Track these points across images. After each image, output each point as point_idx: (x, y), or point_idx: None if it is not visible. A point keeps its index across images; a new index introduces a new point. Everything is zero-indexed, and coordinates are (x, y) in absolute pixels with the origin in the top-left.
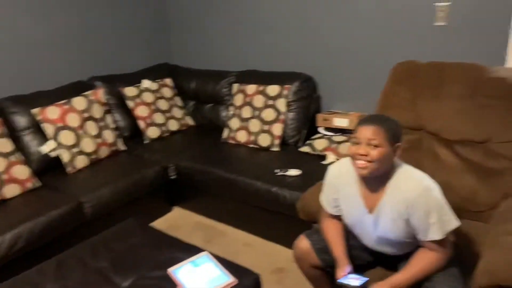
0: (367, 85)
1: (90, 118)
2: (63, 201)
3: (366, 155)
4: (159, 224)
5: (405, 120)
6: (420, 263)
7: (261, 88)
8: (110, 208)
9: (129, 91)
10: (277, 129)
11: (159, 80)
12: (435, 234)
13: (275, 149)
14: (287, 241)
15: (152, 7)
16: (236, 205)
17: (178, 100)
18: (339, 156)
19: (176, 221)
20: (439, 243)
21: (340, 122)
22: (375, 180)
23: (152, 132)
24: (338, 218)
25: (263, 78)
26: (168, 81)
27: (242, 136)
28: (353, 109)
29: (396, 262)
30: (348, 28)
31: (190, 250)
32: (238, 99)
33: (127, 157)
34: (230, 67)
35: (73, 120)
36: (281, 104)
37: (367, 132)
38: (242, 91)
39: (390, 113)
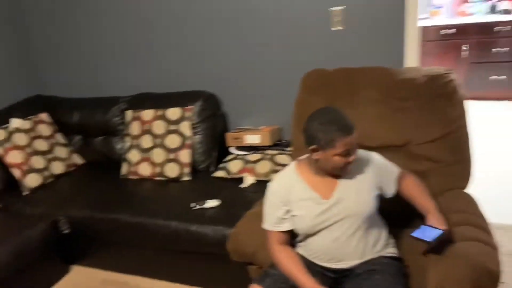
0: (273, 96)
1: None
2: None
3: (352, 161)
4: None
5: None
6: (416, 186)
7: (159, 112)
8: None
9: None
10: (185, 156)
11: (32, 116)
12: (394, 171)
13: (186, 178)
14: (220, 283)
15: (13, 36)
16: (150, 252)
17: (59, 137)
18: (257, 176)
19: (79, 283)
20: (406, 178)
21: (252, 139)
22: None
23: (32, 180)
24: (287, 243)
25: (160, 101)
26: (43, 116)
27: (145, 169)
28: (263, 123)
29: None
30: (246, 41)
31: None
32: (135, 128)
33: (3, 217)
34: (119, 92)
35: None
36: (185, 127)
37: (353, 140)
38: (138, 118)
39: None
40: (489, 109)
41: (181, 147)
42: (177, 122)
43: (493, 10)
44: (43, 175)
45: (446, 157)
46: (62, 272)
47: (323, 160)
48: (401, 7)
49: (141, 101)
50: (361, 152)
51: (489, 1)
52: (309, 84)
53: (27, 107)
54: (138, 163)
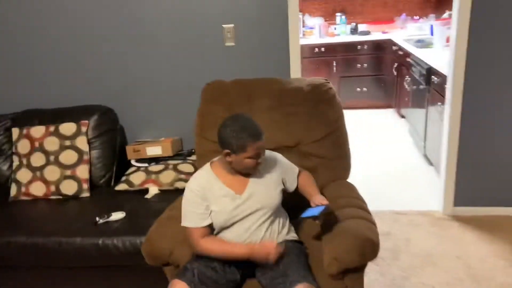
0: (171, 109)
1: None
2: None
3: (261, 163)
4: None
5: None
6: (308, 180)
7: (51, 128)
8: None
9: None
10: (83, 171)
11: None
12: (295, 170)
13: (85, 194)
14: None
15: None
16: (55, 273)
17: None
18: (162, 186)
19: None
20: (303, 175)
21: (153, 151)
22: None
23: None
24: (209, 233)
25: (51, 117)
26: None
27: (38, 189)
28: (163, 135)
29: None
30: (142, 55)
31: None
32: (23, 146)
33: None
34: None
35: None
36: (82, 142)
37: (262, 145)
38: (27, 136)
39: (210, 133)
40: (357, 117)
41: (78, 162)
42: (72, 137)
43: (354, 31)
44: None
45: (330, 153)
46: None
47: (235, 162)
48: (285, 26)
49: (28, 118)
50: (267, 153)
51: (351, 23)
52: (209, 94)
53: None
54: (29, 183)
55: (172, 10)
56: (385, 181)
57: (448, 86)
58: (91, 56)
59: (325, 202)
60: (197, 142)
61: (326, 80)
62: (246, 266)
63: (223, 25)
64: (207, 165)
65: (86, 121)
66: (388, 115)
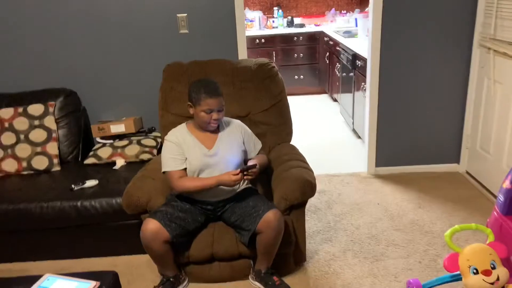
0: (130, 91)
1: None
2: None
3: (218, 119)
4: None
5: (185, 112)
6: (261, 158)
7: (20, 110)
8: None
9: None
10: (52, 148)
11: None
12: (258, 145)
13: (56, 168)
14: (109, 251)
15: None
16: (38, 235)
17: None
18: (128, 158)
19: None
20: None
21: (117, 128)
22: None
23: None
24: (185, 175)
25: (17, 99)
26: None
27: (10, 165)
28: (123, 115)
29: (222, 214)
30: (102, 41)
31: (26, 281)
32: None
33: None
34: None
35: None
36: (50, 122)
37: (217, 102)
38: None
39: (172, 107)
40: (295, 102)
41: (48, 140)
42: (40, 117)
43: (291, 24)
44: None
45: (275, 121)
46: None
47: (195, 115)
48: (232, 17)
49: None
50: (237, 122)
51: (287, 17)
52: (170, 74)
53: None
54: (1, 160)
55: None
56: (321, 151)
57: (368, 67)
58: (53, 41)
59: (254, 162)
60: (160, 115)
61: (270, 60)
62: (212, 211)
63: (177, 14)
64: (183, 124)
65: (53, 102)
66: (322, 99)
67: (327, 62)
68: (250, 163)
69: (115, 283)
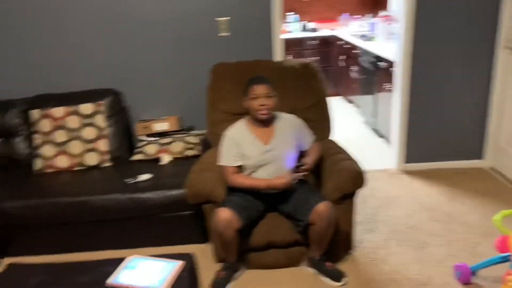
0: (170, 92)
1: None
2: None
3: (266, 105)
4: None
5: (233, 109)
6: (313, 152)
7: (71, 109)
8: None
9: None
10: (103, 145)
11: None
12: (312, 136)
13: (107, 164)
14: (165, 241)
15: None
16: (97, 226)
17: None
18: (173, 154)
19: None
20: (317, 145)
21: (161, 126)
22: (267, 122)
23: None
24: (238, 171)
25: (66, 99)
26: None
27: (63, 162)
28: (162, 114)
29: (278, 205)
30: (146, 44)
31: (111, 263)
32: (45, 125)
33: None
34: (6, 96)
35: None
36: (100, 120)
37: (263, 89)
38: (48, 116)
39: (220, 105)
40: None
41: (98, 137)
42: (91, 116)
43: (304, 28)
44: None
45: (317, 117)
46: None
47: (248, 107)
48: (268, 22)
49: (43, 101)
50: (292, 117)
51: (301, 22)
52: (218, 73)
53: None
54: (54, 156)
55: (173, 5)
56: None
57: (398, 68)
58: (100, 45)
59: (305, 160)
60: (209, 113)
61: (311, 60)
62: (270, 201)
63: (217, 18)
64: (242, 119)
65: (102, 102)
66: (338, 101)
67: (342, 65)
68: (303, 160)
69: (195, 264)
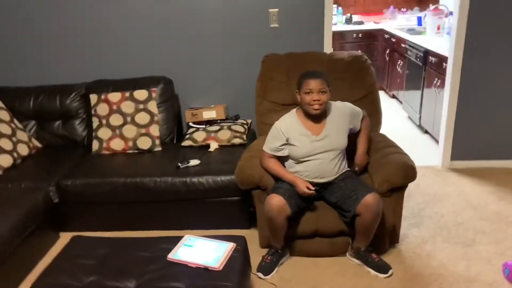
0: (218, 81)
1: None
2: None
3: (319, 100)
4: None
5: (281, 99)
6: (364, 132)
7: (127, 94)
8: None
9: None
10: (155, 130)
11: None
12: (360, 115)
13: (158, 149)
14: (215, 224)
15: None
16: (150, 206)
17: (17, 122)
18: (221, 142)
19: None
20: (366, 119)
21: (209, 114)
22: (319, 115)
23: (4, 161)
24: (276, 158)
25: (122, 85)
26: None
27: (117, 145)
28: (210, 103)
29: (325, 195)
30: (197, 35)
31: (168, 241)
32: (102, 109)
33: None
34: (67, 81)
35: None
36: (153, 106)
37: (317, 84)
38: (105, 101)
39: (270, 94)
40: None
41: (151, 123)
42: (145, 102)
43: (349, 21)
44: (12, 156)
45: (367, 110)
46: (53, 240)
47: (301, 100)
48: (322, 10)
49: (102, 86)
50: (340, 103)
51: (346, 14)
52: (268, 64)
53: None
54: (110, 139)
55: None
56: None
57: (449, 64)
58: (153, 34)
59: (358, 167)
60: (258, 103)
61: (362, 53)
62: (317, 191)
63: (269, 9)
64: (293, 110)
65: (155, 88)
66: (380, 96)
67: (387, 59)
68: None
69: (246, 246)
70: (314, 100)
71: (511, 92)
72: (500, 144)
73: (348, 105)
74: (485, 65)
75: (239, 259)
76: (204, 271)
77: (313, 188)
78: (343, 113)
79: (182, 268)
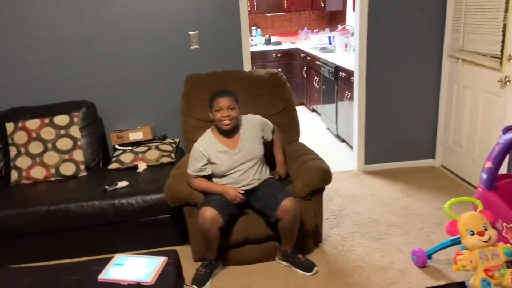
0: (142, 102)
1: None
2: None
3: (228, 116)
4: None
5: (206, 116)
6: (277, 142)
7: (46, 120)
8: None
9: None
10: (78, 155)
11: None
12: (271, 127)
13: (83, 174)
14: (147, 244)
15: None
16: (78, 233)
17: None
18: (149, 162)
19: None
20: (276, 132)
21: (135, 136)
22: (232, 130)
23: None
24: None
25: (42, 111)
26: None
27: (38, 173)
28: (135, 125)
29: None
30: (119, 57)
31: (99, 262)
32: (20, 137)
33: None
34: None
35: None
36: (75, 131)
37: (225, 101)
38: (23, 128)
39: (194, 112)
40: None
41: (74, 148)
42: (66, 127)
43: (268, 42)
44: None
45: (286, 122)
46: None
47: (213, 118)
48: (240, 34)
49: (18, 114)
50: (250, 116)
51: (264, 36)
52: (191, 83)
53: None
54: (29, 168)
55: (146, 19)
56: None
57: (355, 78)
58: (73, 57)
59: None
60: (183, 120)
61: (277, 70)
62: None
63: (189, 32)
64: (209, 130)
65: (77, 113)
66: (301, 110)
67: (304, 76)
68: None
69: (178, 259)
70: (224, 117)
71: (410, 100)
72: (405, 147)
73: (257, 117)
74: (385, 77)
75: (172, 272)
76: (137, 287)
77: (242, 192)
78: (254, 124)
79: (114, 287)
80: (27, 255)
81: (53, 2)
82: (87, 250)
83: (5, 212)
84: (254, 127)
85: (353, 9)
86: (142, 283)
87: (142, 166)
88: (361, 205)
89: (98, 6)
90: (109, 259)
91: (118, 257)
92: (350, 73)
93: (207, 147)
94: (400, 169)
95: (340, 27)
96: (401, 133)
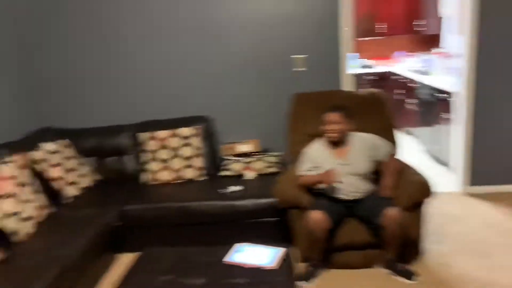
0: (251, 119)
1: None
2: None
3: (332, 130)
4: (113, 276)
5: (311, 131)
6: (390, 166)
7: (172, 132)
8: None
9: (35, 155)
10: (199, 162)
11: (59, 141)
12: (387, 148)
13: (201, 178)
14: (267, 243)
15: (15, 74)
16: (197, 228)
17: (79, 158)
18: (257, 171)
19: None
20: (392, 158)
21: (244, 148)
22: (340, 142)
23: (71, 191)
24: None
25: (166, 124)
26: (66, 142)
27: (165, 175)
28: (244, 138)
29: (355, 211)
30: (229, 79)
31: (220, 250)
32: (152, 145)
33: (64, 219)
34: (116, 122)
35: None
36: (196, 141)
37: (333, 116)
38: (154, 138)
39: (300, 127)
40: None
41: (195, 155)
42: (189, 137)
43: (363, 65)
44: (77, 187)
45: (386, 139)
46: (111, 261)
47: (322, 130)
48: (337, 58)
49: (149, 126)
50: (366, 135)
51: (359, 59)
52: (297, 101)
53: (41, 137)
54: (158, 171)
55: (256, 46)
56: None
57: (459, 100)
58: (197, 78)
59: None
60: (289, 135)
61: (378, 90)
62: (348, 206)
63: (293, 56)
64: (319, 139)
65: (199, 126)
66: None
67: (398, 98)
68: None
69: (289, 254)
70: (328, 130)
71: None
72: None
73: (371, 136)
74: (495, 99)
75: (289, 262)
76: (259, 270)
77: (336, 173)
78: (364, 141)
79: (239, 268)
80: (154, 244)
81: (178, 32)
82: (204, 243)
83: (144, 205)
84: (364, 145)
85: (454, 32)
86: (265, 268)
87: (250, 174)
88: (463, 225)
89: (217, 39)
90: (229, 247)
91: (237, 246)
92: (449, 95)
93: (315, 151)
94: (507, 193)
95: (435, 49)
96: (510, 156)
